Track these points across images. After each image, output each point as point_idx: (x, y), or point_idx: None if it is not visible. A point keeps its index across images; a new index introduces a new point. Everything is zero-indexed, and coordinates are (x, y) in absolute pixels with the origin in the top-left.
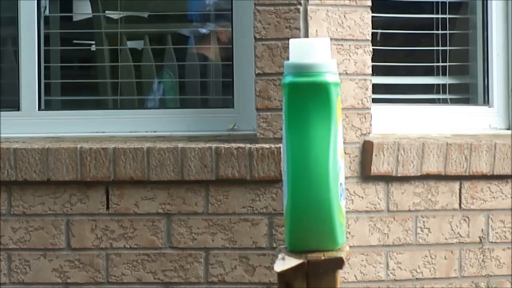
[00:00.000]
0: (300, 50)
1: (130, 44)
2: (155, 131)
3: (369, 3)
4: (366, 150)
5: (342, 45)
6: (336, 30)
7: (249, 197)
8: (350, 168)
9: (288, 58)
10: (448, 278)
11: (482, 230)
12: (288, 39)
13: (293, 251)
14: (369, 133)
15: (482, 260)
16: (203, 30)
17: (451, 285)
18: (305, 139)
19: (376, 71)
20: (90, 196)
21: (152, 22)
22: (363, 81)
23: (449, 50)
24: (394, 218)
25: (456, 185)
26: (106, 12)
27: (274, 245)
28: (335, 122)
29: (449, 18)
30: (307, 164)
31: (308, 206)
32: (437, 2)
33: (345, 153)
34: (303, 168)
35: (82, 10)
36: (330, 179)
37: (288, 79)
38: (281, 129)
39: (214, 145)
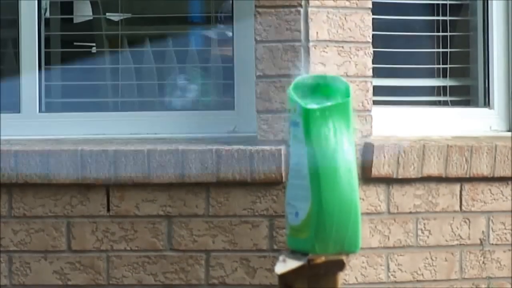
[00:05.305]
0: None
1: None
2: (155, 133)
3: (370, 5)
4: (367, 152)
5: (342, 47)
6: (337, 32)
7: (250, 199)
8: None
9: (289, 60)
10: (448, 280)
11: (482, 232)
12: (289, 41)
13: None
14: (369, 135)
15: (483, 262)
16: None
17: (452, 287)
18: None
19: (376, 73)
20: (91, 198)
21: (154, 24)
22: (363, 83)
23: (450, 52)
24: (394, 220)
25: (456, 187)
26: (107, 14)
27: (275, 247)
28: (352, 124)
29: (449, 20)
30: (335, 167)
31: (337, 209)
32: (438, 4)
33: None
34: (331, 171)
35: (83, 12)
36: (356, 181)
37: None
38: (281, 131)
39: (214, 147)
